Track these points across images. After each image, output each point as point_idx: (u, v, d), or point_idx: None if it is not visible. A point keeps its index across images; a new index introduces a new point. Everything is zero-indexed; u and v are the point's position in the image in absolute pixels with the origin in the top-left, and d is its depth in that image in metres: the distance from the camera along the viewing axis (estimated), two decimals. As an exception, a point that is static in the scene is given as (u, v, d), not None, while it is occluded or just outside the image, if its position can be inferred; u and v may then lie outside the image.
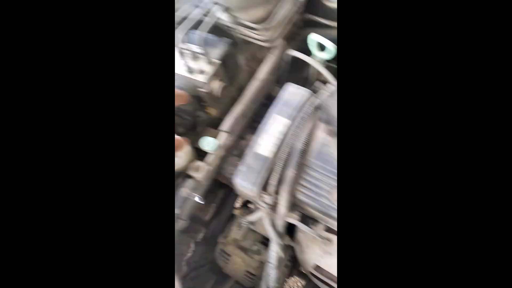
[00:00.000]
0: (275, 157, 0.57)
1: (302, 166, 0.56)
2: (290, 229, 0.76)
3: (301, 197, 0.55)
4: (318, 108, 0.55)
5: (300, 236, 0.72)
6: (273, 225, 0.59)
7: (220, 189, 0.90)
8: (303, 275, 1.12)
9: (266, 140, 0.58)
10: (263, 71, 0.71)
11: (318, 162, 0.55)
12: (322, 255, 0.68)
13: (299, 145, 0.55)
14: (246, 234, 0.79)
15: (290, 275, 0.87)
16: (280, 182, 0.56)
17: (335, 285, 0.69)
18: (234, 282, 0.98)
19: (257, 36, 0.71)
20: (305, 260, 0.71)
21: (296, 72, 0.85)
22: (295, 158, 0.54)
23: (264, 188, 0.57)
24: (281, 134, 0.58)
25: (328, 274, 0.69)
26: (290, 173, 0.54)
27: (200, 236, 0.86)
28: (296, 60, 0.76)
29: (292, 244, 0.74)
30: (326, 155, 0.55)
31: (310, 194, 0.55)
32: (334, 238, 0.68)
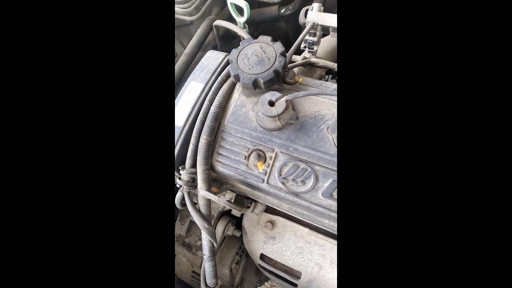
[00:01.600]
0: (188, 125, 0.50)
1: (217, 132, 0.49)
2: (239, 221, 0.68)
3: (219, 167, 0.48)
4: (229, 65, 0.50)
5: (244, 222, 0.64)
6: (196, 206, 0.51)
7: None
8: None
9: (180, 109, 0.52)
10: (190, 45, 0.66)
11: (233, 125, 0.48)
12: (266, 240, 0.59)
13: (213, 109, 0.49)
14: (190, 228, 0.70)
15: (256, 273, 0.77)
16: (195, 154, 0.49)
17: (284, 274, 0.59)
18: None
19: (181, 10, 0.67)
20: (252, 251, 0.63)
21: (230, 45, 0.80)
22: (208, 123, 0.48)
23: (183, 162, 0.50)
24: (195, 100, 0.52)
25: (272, 262, 0.60)
26: (203, 140, 0.47)
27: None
28: (229, 33, 0.71)
29: (237, 234, 0.66)
30: (241, 116, 0.48)
31: (228, 163, 0.47)
32: (278, 219, 0.60)
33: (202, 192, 0.47)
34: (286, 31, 1.01)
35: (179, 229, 0.70)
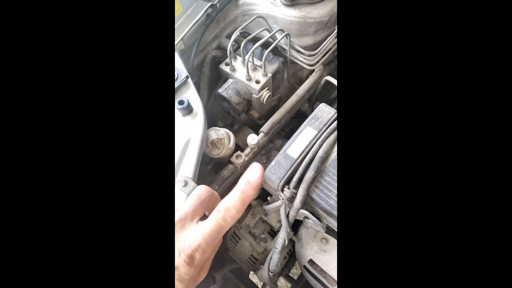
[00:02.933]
0: (300, 159, 0.70)
1: (319, 171, 0.68)
2: (295, 227, 0.88)
3: (314, 196, 0.68)
4: (343, 128, 0.68)
5: (302, 232, 0.84)
6: (287, 215, 0.71)
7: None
8: (290, 279, 1.22)
9: (296, 145, 0.71)
10: (302, 89, 0.85)
11: (333, 169, 0.67)
12: (318, 251, 0.79)
13: (321, 153, 0.68)
14: (258, 222, 0.91)
15: (283, 267, 0.98)
16: (300, 180, 0.68)
17: (323, 279, 0.79)
18: (228, 270, 1.09)
19: (303, 60, 0.86)
20: (303, 255, 0.83)
21: (324, 93, 0.98)
22: (316, 163, 0.67)
23: (287, 183, 0.70)
24: (308, 142, 0.71)
25: (318, 269, 0.80)
26: (310, 174, 0.67)
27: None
28: (327, 84, 0.89)
29: (294, 239, 0.86)
30: (342, 166, 0.67)
31: (321, 195, 0.67)
32: (331, 239, 0.79)
33: (304, 211, 0.67)
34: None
35: (249, 220, 0.90)
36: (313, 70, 0.88)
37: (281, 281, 1.70)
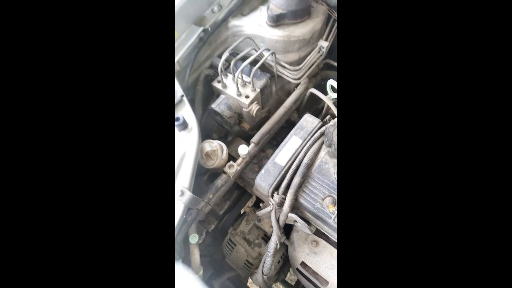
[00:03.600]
0: (287, 167, 0.76)
1: (306, 177, 0.74)
2: (287, 232, 0.92)
3: (301, 200, 0.73)
4: (323, 134, 0.75)
5: (294, 236, 0.89)
6: (277, 220, 0.76)
7: (236, 190, 1.08)
8: (287, 285, 1.26)
9: (283, 153, 0.77)
10: (289, 101, 0.92)
11: (318, 175, 0.73)
12: (309, 253, 0.84)
13: (306, 160, 0.74)
14: (252, 229, 0.96)
15: (279, 272, 1.02)
16: (288, 186, 0.74)
17: (315, 281, 0.84)
18: (226, 279, 1.13)
19: (289, 74, 0.93)
20: (295, 257, 0.87)
21: (312, 103, 1.05)
22: (302, 169, 0.73)
23: (276, 189, 0.75)
24: (294, 150, 0.77)
25: (311, 271, 0.84)
26: (296, 180, 0.72)
27: (212, 227, 1.03)
28: (314, 95, 0.96)
29: (286, 243, 0.91)
30: (324, 170, 0.73)
31: (308, 199, 0.72)
32: (321, 241, 0.84)
33: (292, 214, 0.72)
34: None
35: (244, 227, 0.95)
36: (299, 83, 0.95)
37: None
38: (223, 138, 1.06)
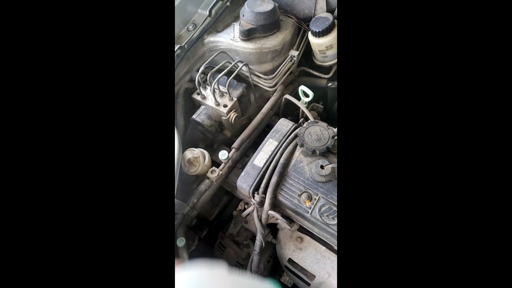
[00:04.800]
0: (265, 167, 0.81)
1: (283, 175, 0.79)
2: (275, 231, 0.96)
3: (280, 198, 0.78)
4: (297, 136, 0.80)
5: (280, 235, 0.93)
6: (260, 219, 0.81)
7: (224, 195, 1.12)
8: (282, 285, 1.27)
9: (261, 155, 0.82)
10: (266, 107, 0.98)
11: (294, 173, 0.78)
12: (295, 250, 0.87)
13: (282, 160, 0.79)
14: (240, 231, 1.00)
15: (272, 273, 1.04)
16: (267, 186, 0.79)
17: (303, 276, 0.87)
18: None
19: (264, 83, 1.00)
20: (282, 255, 0.91)
21: (292, 109, 1.12)
22: (278, 169, 0.78)
23: (256, 189, 0.80)
24: (271, 151, 0.82)
25: (299, 267, 0.88)
26: (274, 179, 0.77)
27: (204, 233, 1.06)
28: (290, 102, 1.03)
29: (274, 241, 0.94)
30: (299, 168, 0.78)
31: (286, 196, 0.77)
32: (305, 237, 0.88)
33: (271, 211, 0.76)
34: (326, 92, 1.32)
35: (232, 229, 0.99)
36: (275, 91, 1.02)
37: (280, 294, 1.72)
38: (209, 147, 1.12)
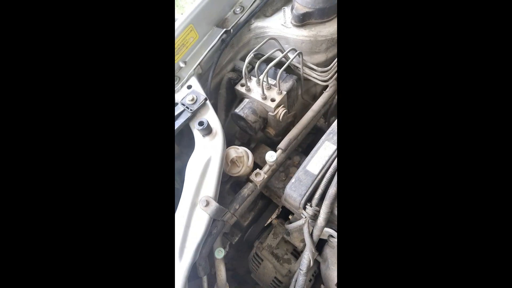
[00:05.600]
0: (321, 175, 0.68)
1: (343, 187, 0.66)
2: (319, 247, 0.84)
3: (336, 212, 0.65)
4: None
5: (327, 252, 0.80)
6: (311, 234, 0.69)
7: (260, 200, 1.01)
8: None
9: (316, 160, 0.70)
10: (317, 104, 0.85)
11: (358, 185, 0.65)
12: (348, 273, 0.75)
13: (343, 168, 0.66)
14: (280, 243, 0.88)
15: (311, 291, 0.93)
16: (322, 197, 0.66)
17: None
18: None
19: (317, 76, 0.87)
20: (329, 276, 0.78)
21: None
22: (337, 178, 0.65)
23: (309, 200, 0.68)
24: (328, 157, 0.70)
25: (350, 293, 0.75)
26: (332, 190, 0.65)
27: (236, 239, 0.97)
28: None
29: (319, 259, 0.82)
30: (366, 180, 0.65)
31: (347, 211, 0.64)
32: (361, 259, 0.75)
33: (328, 229, 0.64)
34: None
35: (271, 240, 0.88)
36: (327, 86, 0.89)
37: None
38: (246, 144, 1.01)
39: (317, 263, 0.84)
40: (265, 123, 0.85)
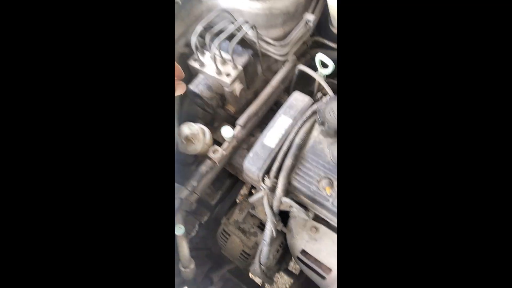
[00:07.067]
0: (278, 148, 0.69)
1: (298, 158, 0.68)
2: (284, 219, 0.87)
3: (295, 183, 0.67)
4: (315, 112, 0.68)
5: (291, 223, 0.83)
6: (271, 206, 0.70)
7: (227, 178, 1.02)
8: (291, 274, 1.21)
9: (272, 134, 0.71)
10: (276, 79, 0.85)
11: (311, 155, 0.67)
12: (309, 240, 0.78)
13: (298, 140, 0.67)
14: (246, 217, 0.90)
15: (280, 261, 0.97)
16: (279, 169, 0.68)
17: (318, 269, 0.79)
18: (226, 270, 1.08)
19: (274, 51, 0.85)
20: (294, 245, 0.82)
21: (304, 84, 0.98)
22: (293, 150, 0.67)
23: (267, 172, 0.69)
24: (284, 130, 0.70)
25: (312, 259, 0.79)
26: (288, 162, 0.66)
27: (205, 218, 0.97)
28: (304, 75, 0.89)
29: (284, 230, 0.85)
30: (318, 150, 0.67)
31: (302, 182, 0.66)
32: (321, 226, 0.79)
33: (285, 198, 0.66)
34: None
35: (238, 216, 0.89)
36: (286, 61, 0.88)
37: (284, 278, 1.68)
38: (210, 125, 0.99)
39: (283, 234, 0.88)
40: (223, 100, 0.83)
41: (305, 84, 1.05)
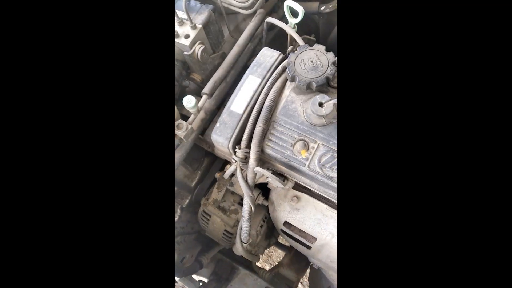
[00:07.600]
0: (247, 114, 0.61)
1: (270, 122, 0.60)
2: (266, 192, 0.81)
3: (268, 151, 0.60)
4: (286, 67, 0.60)
5: (272, 195, 0.77)
6: (245, 179, 0.64)
7: (205, 157, 0.95)
8: (282, 247, 1.18)
9: (240, 98, 0.62)
10: (243, 37, 0.75)
11: (284, 118, 0.59)
12: (291, 211, 0.73)
13: (268, 102, 0.59)
14: (225, 195, 0.84)
15: (269, 236, 0.92)
16: (250, 137, 0.60)
17: (303, 239, 0.74)
18: (218, 251, 1.04)
19: (237, 3, 0.75)
20: (277, 218, 0.76)
21: (280, 46, 0.89)
22: (264, 114, 0.59)
23: (237, 143, 0.62)
24: (253, 92, 0.62)
25: (296, 230, 0.75)
26: (259, 128, 0.59)
27: (186, 202, 0.91)
28: (280, 35, 0.79)
29: (266, 204, 0.80)
30: (291, 110, 0.59)
31: (276, 148, 0.59)
32: (303, 195, 0.73)
33: (257, 168, 0.59)
34: (317, 24, 1.08)
35: (216, 194, 0.83)
36: (253, 15, 0.78)
37: (278, 251, 1.68)
38: (178, 100, 0.90)
39: (266, 208, 0.82)
40: (186, 68, 0.74)
41: (282, 45, 0.95)
